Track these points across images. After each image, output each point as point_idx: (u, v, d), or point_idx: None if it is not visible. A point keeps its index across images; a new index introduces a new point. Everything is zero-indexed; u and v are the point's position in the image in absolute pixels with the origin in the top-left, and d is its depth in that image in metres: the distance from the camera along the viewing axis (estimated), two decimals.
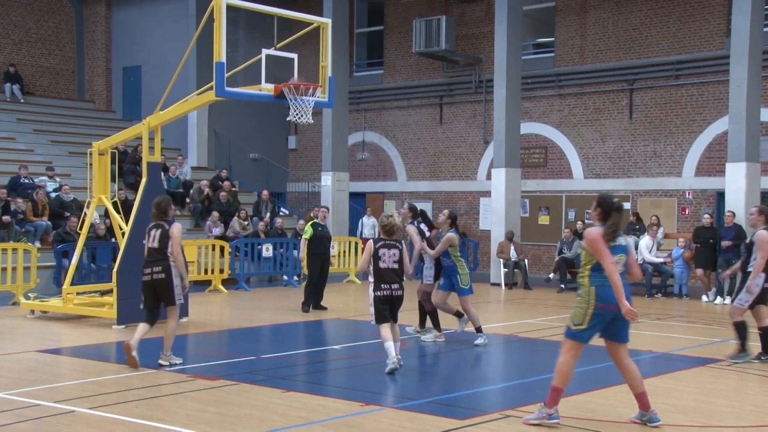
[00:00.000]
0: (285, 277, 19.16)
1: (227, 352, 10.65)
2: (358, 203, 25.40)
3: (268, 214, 21.18)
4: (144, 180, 12.27)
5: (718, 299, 16.34)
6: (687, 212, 20.12)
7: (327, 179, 22.21)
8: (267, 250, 18.72)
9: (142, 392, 7.76)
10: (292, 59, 11.45)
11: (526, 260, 19.64)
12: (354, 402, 7.49)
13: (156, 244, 8.89)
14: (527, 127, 22.01)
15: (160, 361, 8.89)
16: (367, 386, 8.49)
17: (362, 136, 25.94)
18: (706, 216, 17.33)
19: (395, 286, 8.82)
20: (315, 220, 14.54)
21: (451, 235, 10.77)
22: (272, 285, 19.14)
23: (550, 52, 22.50)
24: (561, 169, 22.20)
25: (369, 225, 22.85)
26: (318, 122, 22.49)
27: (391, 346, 8.68)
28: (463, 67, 23.74)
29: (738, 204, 16.40)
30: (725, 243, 16.15)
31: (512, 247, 19.43)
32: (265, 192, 21.95)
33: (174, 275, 8.84)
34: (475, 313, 10.93)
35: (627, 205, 20.97)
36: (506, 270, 19.38)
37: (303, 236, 14.51)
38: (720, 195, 18.41)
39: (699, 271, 16.89)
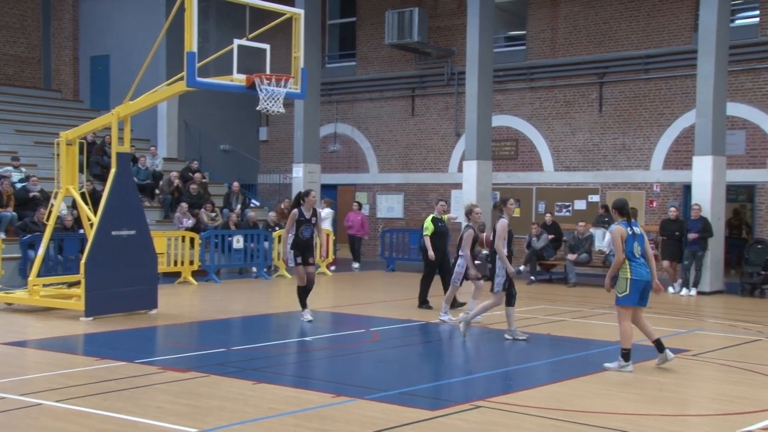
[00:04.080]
0: (254, 269, 19.11)
1: (198, 344, 10.60)
2: (330, 195, 25.32)
3: (239, 206, 21.07)
4: (113, 170, 12.14)
5: (684, 291, 16.56)
6: (655, 205, 20.34)
7: (298, 171, 22.13)
8: (238, 242, 18.63)
9: (112, 384, 7.70)
10: (264, 50, 11.38)
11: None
12: (325, 393, 7.49)
13: None
14: (498, 120, 22.10)
15: None
16: (338, 378, 8.49)
17: (334, 127, 25.88)
18: (672, 209, 17.53)
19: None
20: (434, 215, 13.80)
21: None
22: (243, 277, 19.06)
23: (522, 45, 22.60)
24: (531, 161, 22.33)
25: (326, 218, 21.05)
26: (290, 113, 22.41)
27: None
28: (436, 60, 23.76)
29: (704, 197, 16.61)
30: (691, 235, 16.37)
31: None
32: (235, 183, 21.82)
33: None
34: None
35: (596, 198, 21.17)
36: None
37: (424, 233, 13.72)
38: (687, 188, 18.62)
39: (665, 263, 17.09)
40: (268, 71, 11.21)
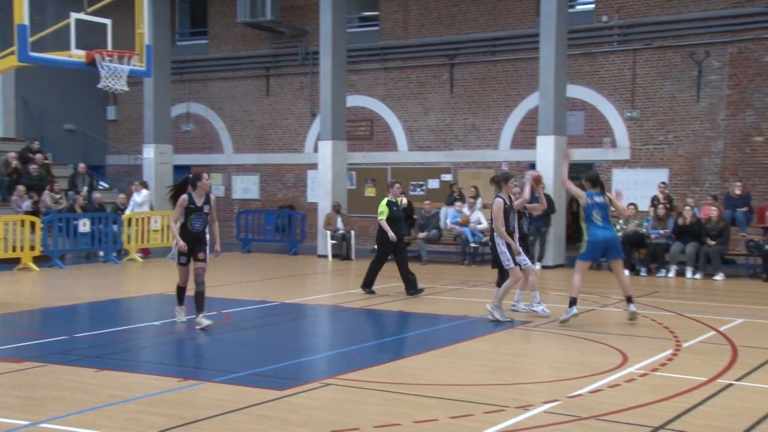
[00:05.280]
0: (101, 254, 18.44)
1: (37, 332, 10.13)
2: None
3: (86, 188, 20.24)
4: None
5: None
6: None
7: (149, 152, 21.49)
8: (84, 226, 17.90)
9: None
10: (105, 25, 10.92)
11: (352, 232, 19.92)
12: (172, 378, 7.35)
13: None
14: (353, 100, 22.23)
15: None
16: (187, 361, 8.36)
17: (187, 107, 25.26)
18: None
19: None
20: (389, 198, 13.03)
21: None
22: (90, 262, 18.35)
23: (375, 26, 22.78)
24: (386, 141, 22.62)
25: (140, 201, 19.61)
26: (138, 92, 21.66)
27: None
28: (290, 39, 23.59)
29: (547, 174, 17.34)
30: (535, 212, 17.05)
31: (339, 219, 19.64)
32: (81, 165, 20.93)
33: None
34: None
35: (448, 177, 21.72)
36: (333, 242, 19.58)
37: (379, 217, 12.92)
38: (533, 166, 19.39)
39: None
40: (110, 47, 10.77)
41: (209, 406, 6.39)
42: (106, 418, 6.08)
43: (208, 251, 10.02)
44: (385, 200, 13.07)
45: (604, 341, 9.21)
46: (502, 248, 10.36)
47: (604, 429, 5.95)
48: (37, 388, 6.92)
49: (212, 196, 9.96)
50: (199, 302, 9.73)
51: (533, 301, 11.11)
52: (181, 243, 9.68)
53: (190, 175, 9.92)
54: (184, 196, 9.74)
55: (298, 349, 9.30)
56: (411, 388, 7.04)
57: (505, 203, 10.49)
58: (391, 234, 12.76)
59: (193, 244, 9.81)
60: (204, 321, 9.72)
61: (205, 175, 9.92)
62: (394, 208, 12.97)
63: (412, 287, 12.94)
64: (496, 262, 10.57)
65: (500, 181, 10.58)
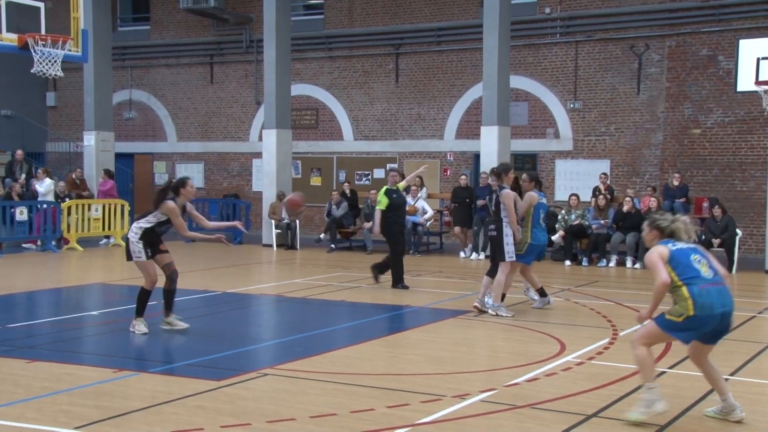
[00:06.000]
0: (39, 243, 18.04)
1: None
2: (126, 164, 24.34)
3: (23, 175, 19.76)
4: None
5: (474, 255, 17.44)
6: (449, 173, 21.19)
7: (90, 139, 21.03)
8: (21, 214, 17.48)
9: None
10: (39, 8, 10.64)
11: (297, 221, 19.81)
12: (106, 369, 7.22)
13: None
14: (299, 89, 22.08)
15: None
16: (123, 352, 8.22)
17: (129, 94, 24.82)
18: (463, 177, 18.39)
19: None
20: (387, 187, 12.47)
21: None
22: (28, 251, 17.93)
23: (320, 15, 22.63)
24: (332, 130, 22.53)
25: (44, 191, 18.71)
26: (79, 78, 21.21)
27: None
28: (234, 26, 23.32)
29: (491, 165, 17.39)
30: (480, 202, 17.20)
31: (283, 208, 19.50)
32: (19, 151, 20.43)
33: None
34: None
35: (394, 167, 21.71)
36: (278, 231, 19.46)
37: (377, 206, 12.39)
38: (477, 156, 19.55)
39: (457, 229, 17.90)
40: (43, 31, 10.50)
41: (143, 398, 6.30)
42: (35, 410, 5.95)
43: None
44: (383, 189, 12.57)
45: (543, 330, 9.32)
46: (509, 239, 10.21)
47: (539, 417, 6.02)
48: None
49: (189, 204, 9.13)
50: (170, 301, 9.01)
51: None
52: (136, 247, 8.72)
53: (174, 180, 9.03)
54: (173, 204, 8.69)
55: (238, 339, 9.21)
56: (349, 378, 7.03)
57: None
58: (376, 228, 12.39)
59: (155, 239, 8.91)
60: (182, 323, 9.03)
61: (189, 181, 8.97)
62: (394, 196, 12.41)
63: (399, 281, 12.56)
64: (495, 253, 10.37)
65: (500, 172, 10.43)
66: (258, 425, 5.69)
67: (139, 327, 8.86)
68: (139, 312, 8.89)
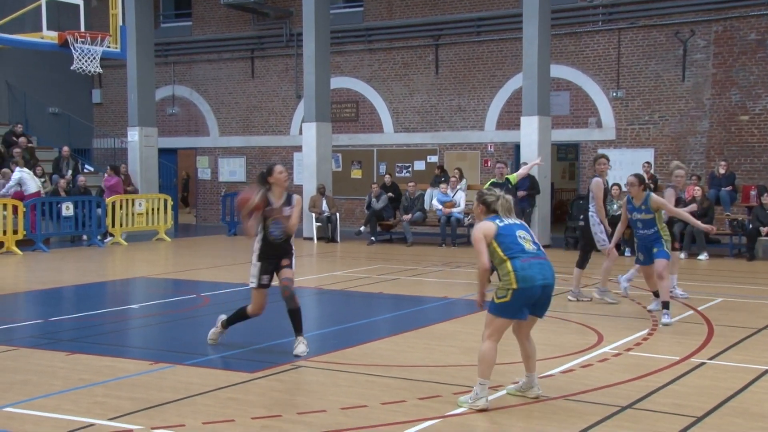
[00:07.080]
0: (85, 237, 18.37)
1: (13, 316, 10.07)
2: (170, 159, 24.66)
3: (70, 172, 20.13)
4: None
5: None
6: (489, 164, 21.03)
7: (134, 135, 21.35)
8: (67, 209, 17.82)
9: None
10: (77, 6, 10.80)
11: (338, 214, 19.87)
12: (143, 361, 7.31)
13: None
14: (338, 82, 22.11)
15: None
16: (159, 344, 8.32)
17: (172, 90, 25.10)
18: (500, 165, 18.15)
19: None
20: (493, 180, 12.57)
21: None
22: (74, 245, 18.28)
23: (360, 7, 22.62)
24: (372, 123, 22.52)
25: (12, 186, 17.54)
26: (123, 75, 21.53)
27: None
28: (274, 20, 23.42)
29: (532, 156, 17.26)
30: (521, 193, 17.02)
31: (324, 201, 19.58)
32: (65, 148, 20.80)
33: None
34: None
35: (434, 159, 21.65)
36: (319, 224, 19.54)
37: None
38: (518, 147, 19.35)
39: None
40: (82, 29, 10.66)
41: (176, 389, 6.36)
42: (71, 402, 6.04)
43: (294, 259, 7.97)
44: (488, 182, 12.39)
45: (582, 321, 9.20)
46: (597, 228, 10.18)
47: (571, 409, 5.93)
48: (4, 372, 6.87)
49: (296, 196, 7.80)
50: (297, 321, 7.77)
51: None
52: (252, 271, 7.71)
53: (264, 169, 7.77)
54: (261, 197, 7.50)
55: (274, 331, 9.24)
56: (382, 370, 7.02)
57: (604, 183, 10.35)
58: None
59: (276, 255, 7.74)
60: (304, 347, 7.63)
61: (278, 167, 7.65)
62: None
63: None
64: (585, 243, 10.42)
65: (592, 162, 10.42)
66: (288, 416, 5.70)
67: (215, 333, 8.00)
68: (232, 321, 8.12)
